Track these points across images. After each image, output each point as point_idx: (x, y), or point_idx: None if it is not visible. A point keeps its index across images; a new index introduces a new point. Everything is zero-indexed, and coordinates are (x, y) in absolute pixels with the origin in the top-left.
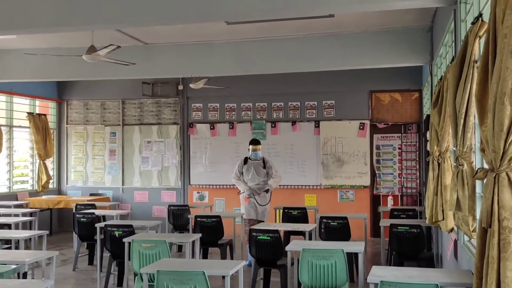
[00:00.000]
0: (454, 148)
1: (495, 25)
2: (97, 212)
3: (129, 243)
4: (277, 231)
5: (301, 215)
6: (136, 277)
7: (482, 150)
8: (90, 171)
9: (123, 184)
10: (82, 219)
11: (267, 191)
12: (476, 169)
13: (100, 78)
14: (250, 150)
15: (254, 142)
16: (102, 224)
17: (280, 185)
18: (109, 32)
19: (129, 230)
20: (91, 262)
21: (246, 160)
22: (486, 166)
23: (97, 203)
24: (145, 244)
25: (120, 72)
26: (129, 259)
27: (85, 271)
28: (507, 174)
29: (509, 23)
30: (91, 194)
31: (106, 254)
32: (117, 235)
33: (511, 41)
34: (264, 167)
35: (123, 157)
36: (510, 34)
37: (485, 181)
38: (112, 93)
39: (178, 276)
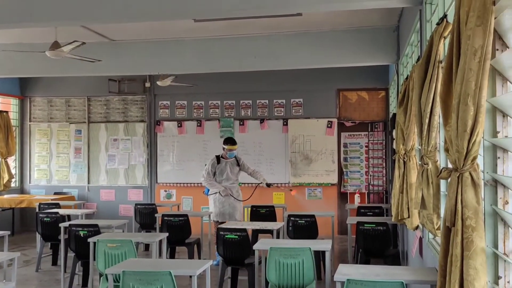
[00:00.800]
0: (419, 147)
1: (459, 26)
2: (61, 211)
3: (94, 243)
4: (244, 230)
5: (269, 213)
6: (101, 278)
7: (446, 150)
8: (54, 169)
9: (88, 183)
10: (45, 219)
11: (268, 185)
12: (440, 168)
13: (64, 74)
14: (225, 150)
15: (232, 142)
16: (66, 223)
17: (248, 183)
18: (74, 28)
19: (94, 230)
20: (55, 262)
21: (219, 159)
22: (450, 165)
23: (61, 202)
24: (110, 244)
25: (86, 68)
26: (94, 259)
27: (48, 272)
28: (470, 174)
29: (472, 25)
30: (55, 193)
31: (71, 255)
32: (82, 235)
33: (474, 42)
34: (238, 165)
35: (88, 155)
36: (473, 36)
37: (449, 180)
38: (77, 90)
39: (144, 276)
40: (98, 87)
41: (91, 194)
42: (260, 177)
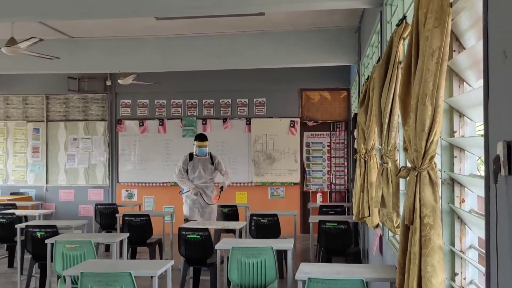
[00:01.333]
0: (380, 146)
1: (418, 27)
2: (18, 212)
3: (52, 244)
4: (206, 230)
5: (231, 213)
6: (59, 280)
7: (405, 149)
8: (10, 169)
9: (47, 183)
10: (1, 220)
11: (221, 188)
12: (399, 167)
13: (21, 72)
14: (195, 146)
15: (201, 137)
16: (23, 224)
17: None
18: (31, 24)
19: (52, 231)
20: (11, 264)
21: (191, 157)
22: (409, 164)
23: (18, 203)
24: (69, 245)
25: (44, 66)
26: (52, 261)
27: (4, 274)
28: (428, 173)
29: (430, 26)
30: (11, 193)
31: (28, 256)
32: (39, 236)
33: (432, 44)
34: (212, 164)
35: (47, 154)
36: (431, 37)
37: (407, 179)
38: (35, 87)
39: (103, 277)
40: (57, 85)
41: (49, 195)
42: (225, 180)
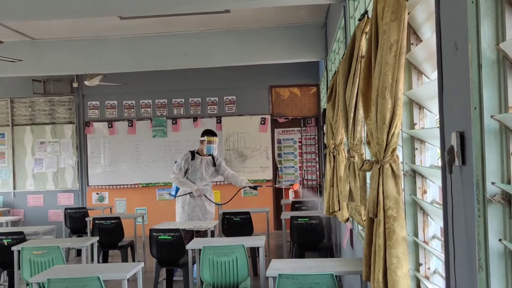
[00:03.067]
0: (347, 141)
1: (377, 21)
2: None
3: (19, 251)
4: (178, 230)
5: None
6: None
7: (368, 143)
8: None
9: (14, 188)
10: None
11: (255, 188)
12: (363, 161)
13: None
14: (204, 143)
15: (212, 132)
16: None
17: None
18: None
19: (20, 238)
20: None
21: (193, 155)
22: (372, 158)
23: None
24: (36, 251)
25: (6, 69)
26: (19, 269)
27: None
28: (390, 165)
29: (387, 20)
30: None
31: None
32: (6, 243)
33: (390, 37)
34: (214, 165)
35: (13, 159)
36: (389, 31)
37: (371, 172)
38: None
39: (71, 283)
40: (21, 88)
41: (17, 201)
42: (243, 181)
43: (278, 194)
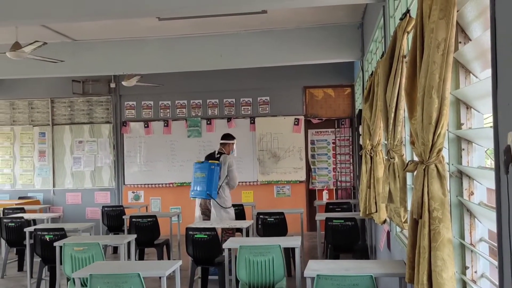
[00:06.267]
0: (386, 142)
1: (422, 20)
2: (26, 216)
3: (61, 247)
4: (214, 229)
5: (238, 212)
6: (68, 282)
7: (412, 143)
8: (18, 173)
9: (54, 186)
10: (10, 224)
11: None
12: (407, 161)
13: (26, 76)
14: (233, 146)
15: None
16: (31, 228)
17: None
18: (35, 28)
19: (61, 234)
20: (20, 268)
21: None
22: (416, 158)
23: (26, 207)
24: (77, 247)
25: (48, 69)
26: (61, 264)
27: (14, 278)
28: (436, 166)
29: (435, 18)
30: (20, 198)
31: (37, 260)
32: (47, 239)
33: (438, 35)
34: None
35: (53, 158)
36: (436, 29)
37: (415, 173)
38: (40, 91)
39: (112, 279)
40: (61, 89)
41: (56, 198)
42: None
43: (311, 195)
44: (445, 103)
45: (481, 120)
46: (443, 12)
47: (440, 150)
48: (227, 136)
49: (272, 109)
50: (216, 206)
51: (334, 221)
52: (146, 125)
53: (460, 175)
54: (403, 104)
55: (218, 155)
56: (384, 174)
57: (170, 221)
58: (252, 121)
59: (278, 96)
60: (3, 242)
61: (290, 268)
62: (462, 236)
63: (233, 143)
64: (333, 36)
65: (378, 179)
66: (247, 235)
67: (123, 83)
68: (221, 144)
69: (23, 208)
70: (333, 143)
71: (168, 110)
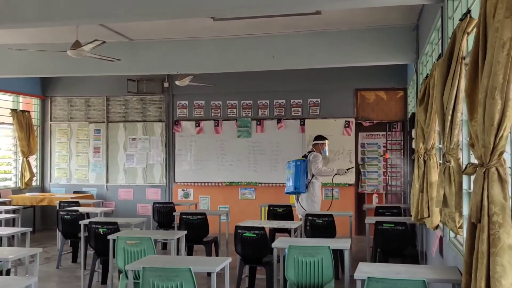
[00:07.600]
0: (440, 145)
1: (485, 19)
2: (81, 209)
3: (114, 240)
4: (263, 228)
5: (286, 213)
6: (120, 275)
7: (472, 145)
8: (74, 168)
9: (107, 182)
10: (66, 217)
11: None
12: (466, 164)
13: (84, 74)
14: (325, 145)
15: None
16: (86, 221)
17: (265, 183)
18: (94, 28)
19: (114, 227)
20: (75, 259)
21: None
22: (474, 161)
23: (81, 201)
24: (130, 241)
25: (105, 68)
26: (114, 257)
27: (68, 268)
28: (496, 169)
29: (500, 17)
30: (74, 192)
31: (90, 252)
32: (101, 232)
33: (503, 35)
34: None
35: (107, 154)
36: (501, 28)
37: (474, 176)
38: (97, 90)
39: (164, 272)
40: (117, 87)
41: (109, 193)
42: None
43: (360, 198)
44: (509, 104)
45: None
46: (509, 10)
47: (501, 153)
48: (317, 137)
49: (322, 111)
50: (303, 199)
51: (384, 225)
52: (197, 125)
53: None
54: (461, 106)
55: (307, 154)
56: (438, 178)
57: (219, 219)
58: (302, 123)
59: (329, 98)
60: (58, 234)
61: (337, 271)
62: None
63: (323, 143)
64: (387, 38)
65: (432, 183)
66: (295, 236)
67: (176, 82)
68: (312, 145)
69: (78, 202)
70: (384, 146)
71: (219, 110)
